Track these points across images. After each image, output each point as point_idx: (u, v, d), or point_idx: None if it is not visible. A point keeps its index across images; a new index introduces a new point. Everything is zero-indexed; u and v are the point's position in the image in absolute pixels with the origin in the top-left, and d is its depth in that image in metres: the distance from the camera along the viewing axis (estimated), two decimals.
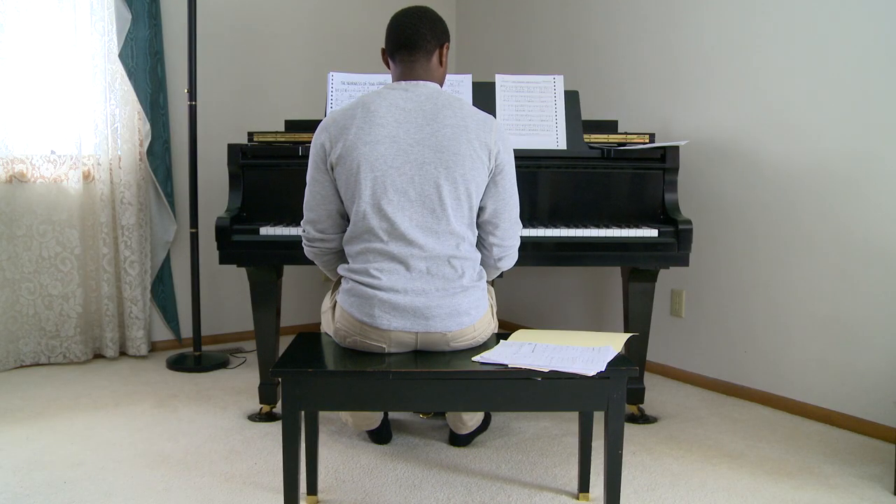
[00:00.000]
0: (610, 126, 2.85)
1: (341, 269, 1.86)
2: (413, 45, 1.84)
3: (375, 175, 1.75)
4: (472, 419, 2.30)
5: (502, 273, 2.08)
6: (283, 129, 2.81)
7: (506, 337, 1.93)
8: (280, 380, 1.74)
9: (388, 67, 1.94)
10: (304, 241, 1.95)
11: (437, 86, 1.86)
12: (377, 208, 1.76)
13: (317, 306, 3.99)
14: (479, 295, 1.83)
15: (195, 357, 3.38)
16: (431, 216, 1.77)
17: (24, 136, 3.22)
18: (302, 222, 1.93)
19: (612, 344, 1.80)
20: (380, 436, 2.39)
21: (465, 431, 2.34)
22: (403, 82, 1.85)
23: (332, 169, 1.80)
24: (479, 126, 1.81)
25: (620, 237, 2.44)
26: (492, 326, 1.93)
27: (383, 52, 1.94)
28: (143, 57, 3.38)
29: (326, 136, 1.81)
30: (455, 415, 2.29)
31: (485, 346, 1.86)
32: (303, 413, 1.79)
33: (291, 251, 2.34)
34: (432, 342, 1.80)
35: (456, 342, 1.81)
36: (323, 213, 1.87)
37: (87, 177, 3.37)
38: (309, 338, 1.99)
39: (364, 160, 1.75)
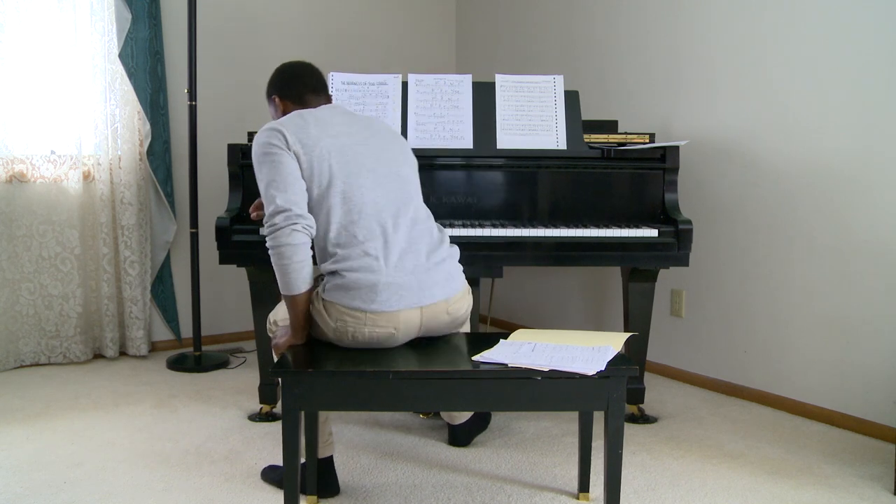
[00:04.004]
0: (610, 126, 2.85)
1: (326, 266, 1.82)
2: (323, 88, 2.07)
3: (346, 159, 1.83)
4: None
5: (502, 272, 2.09)
6: None
7: (506, 337, 1.93)
8: (280, 380, 1.74)
9: (280, 111, 2.03)
10: (281, 231, 1.75)
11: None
12: (353, 192, 1.81)
13: None
14: (456, 256, 1.97)
15: (195, 357, 3.38)
16: (402, 192, 1.89)
17: (24, 136, 3.22)
18: (270, 212, 1.77)
19: (611, 343, 1.80)
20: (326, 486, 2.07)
21: (460, 421, 2.34)
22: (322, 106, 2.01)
23: (299, 156, 1.80)
24: (403, 139, 2.06)
25: (620, 237, 2.44)
26: (470, 295, 2.01)
27: (278, 97, 2.05)
28: (143, 57, 3.38)
29: (282, 133, 1.82)
30: None
31: (472, 324, 1.94)
32: (303, 413, 1.79)
33: None
34: (435, 316, 1.86)
35: (452, 309, 1.89)
36: (299, 192, 1.79)
37: (87, 177, 3.37)
38: (309, 338, 1.99)
39: (332, 149, 1.83)
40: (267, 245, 1.79)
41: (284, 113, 2.01)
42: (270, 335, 2.04)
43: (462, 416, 2.33)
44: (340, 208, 1.81)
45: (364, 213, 1.81)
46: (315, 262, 1.85)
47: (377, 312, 1.77)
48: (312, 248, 1.83)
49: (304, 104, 2.01)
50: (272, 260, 1.79)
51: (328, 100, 2.07)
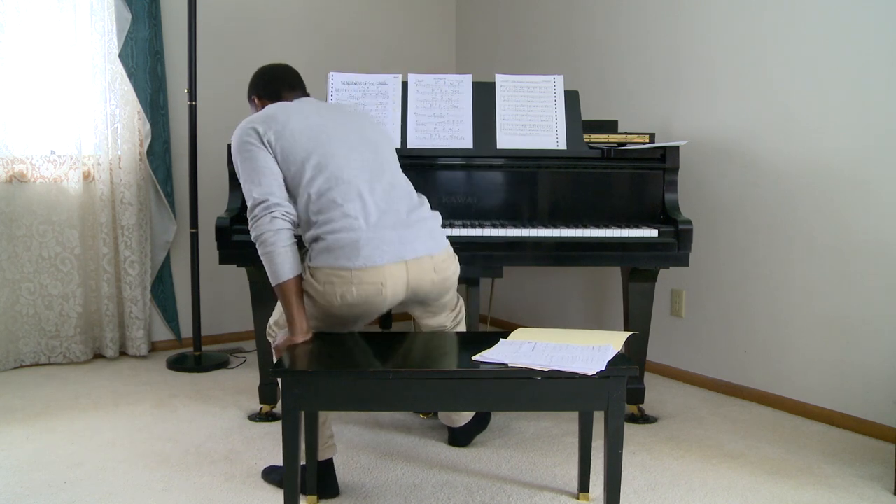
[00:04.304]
0: (610, 126, 2.85)
1: (310, 234, 1.86)
2: (299, 86, 2.15)
3: (314, 132, 1.89)
4: None
5: (502, 272, 2.10)
6: None
7: (506, 336, 1.93)
8: (280, 380, 1.74)
9: (259, 109, 2.09)
10: (262, 220, 1.81)
11: None
12: (328, 161, 1.86)
13: None
14: (438, 220, 2.00)
15: (195, 357, 3.38)
16: (375, 155, 1.94)
17: (24, 136, 3.22)
18: (250, 206, 1.85)
19: (612, 343, 1.80)
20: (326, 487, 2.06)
21: (460, 423, 2.34)
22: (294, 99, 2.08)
23: (273, 145, 1.87)
24: (378, 122, 2.11)
25: (620, 237, 2.44)
26: (457, 261, 2.03)
27: (257, 98, 2.16)
28: (143, 57, 3.38)
29: (253, 128, 1.89)
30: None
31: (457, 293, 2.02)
32: (303, 413, 1.79)
33: None
34: (422, 273, 1.88)
35: (439, 268, 1.91)
36: (274, 183, 1.86)
37: (87, 177, 3.37)
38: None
39: (303, 128, 1.89)
40: (252, 238, 1.84)
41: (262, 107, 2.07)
42: (270, 339, 2.05)
43: (461, 420, 2.33)
44: (317, 179, 1.86)
45: (341, 178, 1.86)
46: (301, 246, 1.89)
47: (362, 269, 1.80)
48: (298, 237, 1.88)
49: (280, 100, 2.08)
50: (259, 251, 1.83)
51: (304, 95, 2.14)
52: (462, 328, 2.21)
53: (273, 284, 1.83)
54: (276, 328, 2.03)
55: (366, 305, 1.85)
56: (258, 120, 1.91)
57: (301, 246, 1.89)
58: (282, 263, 1.80)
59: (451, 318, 2.17)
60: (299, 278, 1.83)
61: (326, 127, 1.92)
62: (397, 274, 1.84)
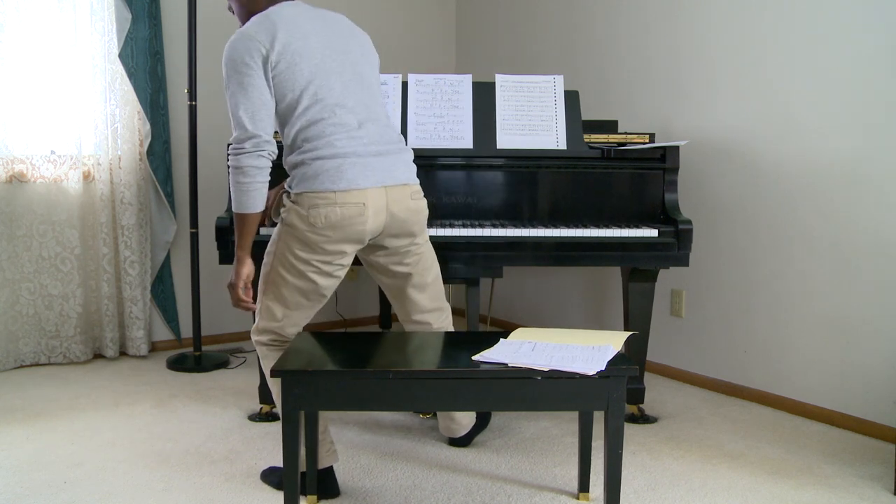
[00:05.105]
0: (610, 126, 2.85)
1: (293, 158, 1.90)
2: None
3: (315, 62, 1.90)
4: (466, 418, 2.31)
5: (502, 272, 2.09)
6: None
7: (506, 336, 1.93)
8: (280, 380, 1.74)
9: (246, 9, 2.01)
10: (249, 154, 1.86)
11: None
12: (325, 94, 1.89)
13: None
14: (412, 155, 2.07)
15: (195, 357, 3.38)
16: (366, 93, 1.99)
17: (24, 136, 3.22)
18: (239, 136, 1.86)
19: (612, 343, 1.80)
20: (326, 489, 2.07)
21: (462, 433, 2.34)
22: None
23: (274, 67, 1.87)
24: (366, 36, 2.13)
25: (620, 237, 2.44)
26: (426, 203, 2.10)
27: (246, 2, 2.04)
28: (143, 57, 3.38)
29: (258, 43, 1.85)
30: (447, 420, 2.30)
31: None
32: (303, 413, 1.79)
33: None
34: (400, 199, 1.94)
35: (415, 197, 1.99)
36: (267, 117, 1.89)
37: (87, 177, 3.37)
38: (309, 338, 1.99)
39: (303, 52, 1.89)
40: (229, 163, 1.88)
41: (250, 13, 2.00)
42: (257, 346, 2.05)
43: (461, 430, 2.33)
44: (311, 109, 1.90)
45: (334, 112, 1.91)
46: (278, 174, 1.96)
47: (346, 190, 1.86)
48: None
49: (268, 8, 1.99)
50: (231, 177, 1.89)
51: None
52: (436, 274, 2.20)
53: (240, 212, 1.90)
54: (258, 334, 2.03)
55: (349, 229, 1.88)
56: (259, 36, 1.86)
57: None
58: (256, 197, 1.89)
59: (440, 317, 2.18)
60: (261, 214, 1.94)
61: (324, 55, 1.93)
62: (378, 197, 1.91)
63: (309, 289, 1.94)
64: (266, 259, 1.98)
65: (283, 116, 1.92)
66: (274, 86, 1.88)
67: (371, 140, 1.94)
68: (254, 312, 2.04)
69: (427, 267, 2.12)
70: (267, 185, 1.91)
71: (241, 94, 1.86)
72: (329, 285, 1.96)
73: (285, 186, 1.95)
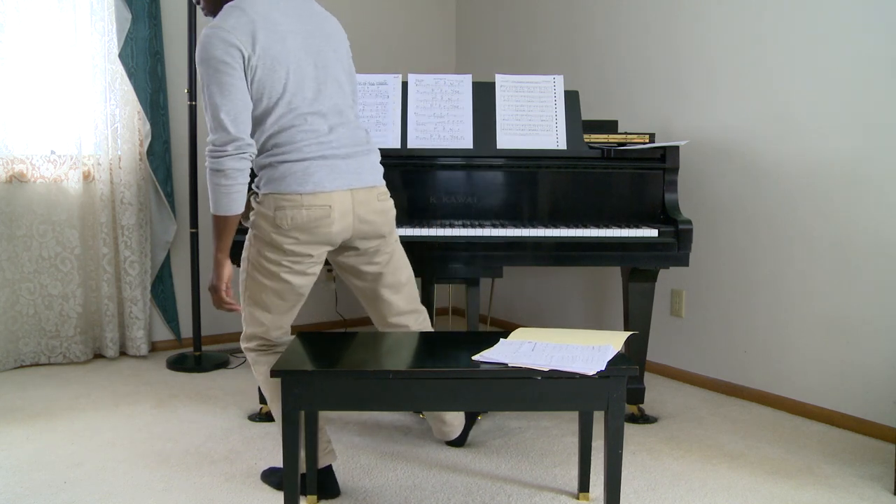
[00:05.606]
0: (610, 126, 2.85)
1: (261, 160, 1.89)
2: None
3: (292, 68, 1.88)
4: (457, 418, 2.31)
5: (502, 272, 2.08)
6: None
7: (506, 336, 1.93)
8: (280, 380, 1.74)
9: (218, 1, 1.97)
10: (230, 157, 1.83)
11: None
12: (299, 103, 1.88)
13: (317, 307, 3.99)
14: (379, 156, 2.06)
15: (195, 357, 3.38)
16: (338, 95, 1.97)
17: (24, 136, 3.22)
18: (220, 138, 1.83)
19: (612, 343, 1.80)
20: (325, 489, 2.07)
21: (455, 434, 2.34)
22: None
23: (253, 71, 1.84)
24: (335, 21, 2.08)
25: (620, 237, 2.45)
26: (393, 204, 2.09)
27: None
28: (143, 57, 3.38)
29: (238, 43, 1.81)
30: (439, 423, 2.30)
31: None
32: (303, 413, 1.79)
33: None
34: (366, 202, 1.94)
35: (381, 198, 1.99)
36: (248, 119, 1.87)
37: (87, 177, 3.37)
38: (309, 338, 1.99)
39: (281, 57, 1.86)
40: (208, 165, 1.85)
41: (220, 1, 1.95)
42: (246, 353, 2.06)
43: (453, 433, 2.33)
44: (286, 116, 1.89)
45: (306, 117, 1.90)
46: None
47: (311, 193, 1.86)
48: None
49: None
50: (211, 179, 1.85)
51: None
52: (405, 263, 2.17)
53: (221, 214, 1.87)
54: (246, 341, 2.04)
55: (315, 231, 1.87)
56: (238, 35, 1.81)
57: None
58: (236, 199, 1.87)
59: (418, 319, 2.18)
60: (239, 217, 1.92)
61: (299, 57, 1.90)
62: (344, 200, 1.90)
63: (284, 289, 1.93)
64: (242, 265, 1.98)
65: (256, 120, 1.90)
66: (252, 88, 1.86)
67: (340, 143, 1.93)
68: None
69: (399, 266, 2.10)
70: (247, 186, 1.89)
71: (222, 95, 1.83)
72: (304, 283, 1.95)
73: (252, 187, 1.94)
